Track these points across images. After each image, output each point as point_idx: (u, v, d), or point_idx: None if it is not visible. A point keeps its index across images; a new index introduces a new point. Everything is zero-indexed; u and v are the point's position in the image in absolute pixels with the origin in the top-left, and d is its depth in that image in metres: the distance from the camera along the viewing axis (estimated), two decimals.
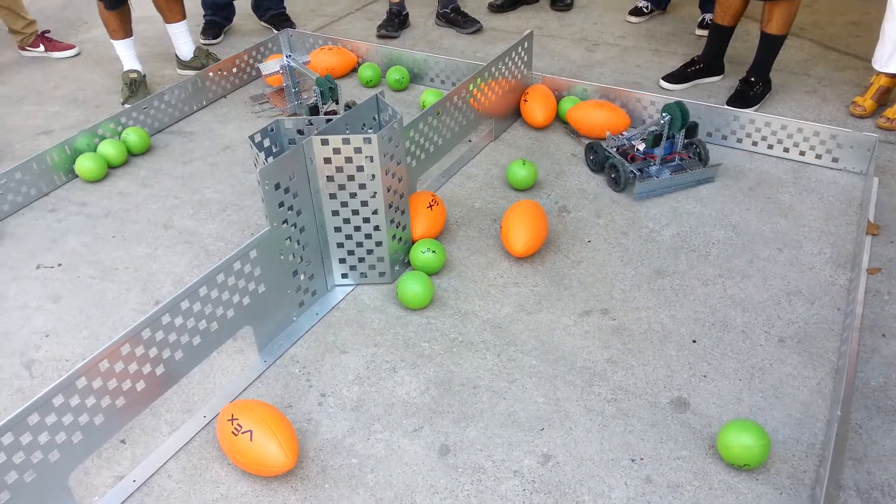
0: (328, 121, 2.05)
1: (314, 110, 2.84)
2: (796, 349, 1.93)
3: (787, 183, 2.60)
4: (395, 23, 3.96)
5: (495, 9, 4.28)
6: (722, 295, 2.12)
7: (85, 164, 2.80)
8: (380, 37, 3.98)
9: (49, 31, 4.13)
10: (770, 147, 2.75)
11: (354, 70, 3.58)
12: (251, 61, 3.56)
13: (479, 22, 4.02)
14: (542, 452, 1.70)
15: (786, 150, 2.72)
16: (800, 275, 2.18)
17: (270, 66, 2.96)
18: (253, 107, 3.33)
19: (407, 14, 4.07)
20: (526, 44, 3.00)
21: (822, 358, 1.90)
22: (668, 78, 3.30)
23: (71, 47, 4.06)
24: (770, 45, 3.03)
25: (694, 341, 1.97)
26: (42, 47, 4.04)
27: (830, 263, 2.21)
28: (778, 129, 2.70)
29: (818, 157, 2.68)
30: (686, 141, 2.61)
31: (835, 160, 2.65)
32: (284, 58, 2.92)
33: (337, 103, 2.84)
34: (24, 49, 4.07)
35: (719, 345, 1.95)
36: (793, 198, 2.52)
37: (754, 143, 2.77)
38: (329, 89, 2.79)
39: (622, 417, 1.77)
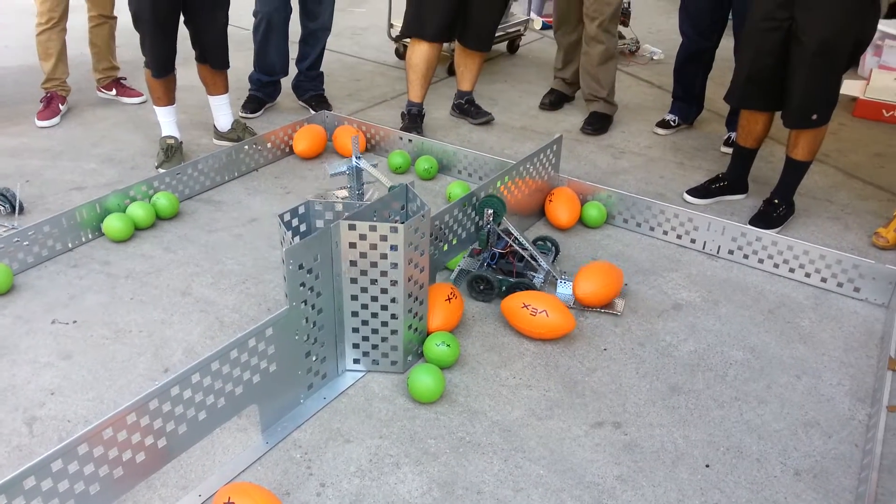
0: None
1: None
2: (812, 484, 1.87)
3: (808, 308, 2.59)
4: (418, 122, 4.01)
5: (547, 107, 4.46)
6: (738, 419, 2.07)
7: (112, 224, 2.84)
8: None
9: (125, 79, 4.42)
10: (791, 270, 2.75)
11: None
12: (286, 139, 3.65)
13: (489, 113, 4.18)
14: None
15: (807, 275, 2.72)
16: (818, 405, 2.14)
17: (336, 166, 2.81)
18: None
19: (424, 114, 4.10)
20: (555, 146, 3.07)
21: (838, 497, 1.84)
22: (692, 192, 3.35)
23: (139, 95, 4.34)
24: (795, 170, 3.08)
25: (707, 466, 1.92)
26: (114, 91, 4.35)
27: (850, 396, 2.17)
28: (800, 253, 2.71)
29: (839, 285, 2.67)
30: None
31: (856, 290, 2.64)
32: (354, 159, 2.79)
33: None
34: (99, 90, 4.37)
35: (733, 472, 1.90)
36: (813, 324, 2.50)
37: (775, 265, 2.78)
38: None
39: None
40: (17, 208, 3.03)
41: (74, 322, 2.42)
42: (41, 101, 4.04)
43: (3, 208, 3.02)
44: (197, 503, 1.77)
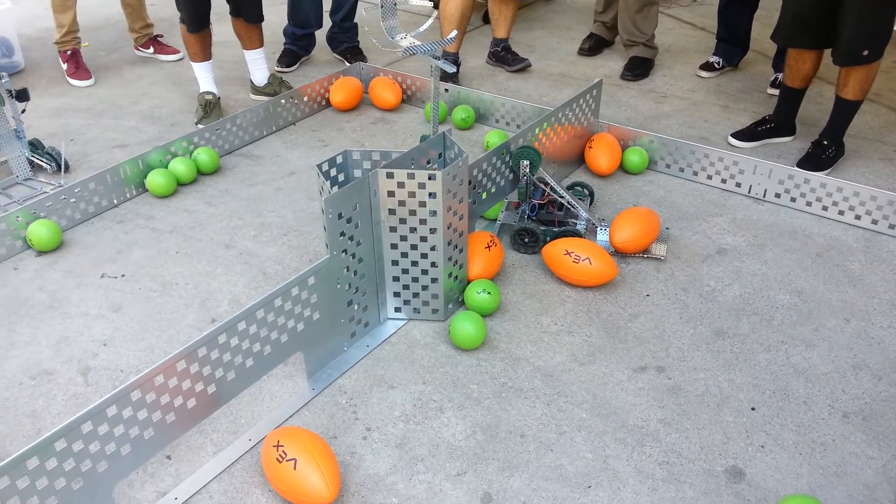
0: None
1: None
2: (861, 426, 1.84)
3: (857, 251, 2.52)
4: (455, 71, 3.95)
5: (586, 52, 4.36)
6: (784, 363, 2.04)
7: (155, 180, 2.88)
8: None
9: (162, 36, 4.45)
10: (841, 213, 2.67)
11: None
12: (323, 92, 3.64)
13: (526, 59, 4.09)
14: None
15: (857, 217, 2.64)
16: (867, 348, 2.09)
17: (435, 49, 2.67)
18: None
19: (460, 63, 4.05)
20: (594, 91, 3.00)
21: (888, 438, 1.81)
22: (737, 135, 3.25)
23: (176, 52, 4.37)
24: (845, 110, 2.96)
25: (753, 409, 1.90)
26: (152, 49, 4.39)
27: None
28: (850, 195, 2.63)
29: (891, 226, 2.59)
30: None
31: None
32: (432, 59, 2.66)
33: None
34: (137, 49, 4.41)
35: (779, 415, 1.88)
36: (863, 267, 2.44)
37: (824, 208, 2.70)
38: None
39: (673, 482, 1.71)
40: (62, 167, 3.09)
41: (123, 276, 2.47)
42: (65, 61, 4.05)
43: (49, 167, 3.08)
44: (247, 447, 1.83)
